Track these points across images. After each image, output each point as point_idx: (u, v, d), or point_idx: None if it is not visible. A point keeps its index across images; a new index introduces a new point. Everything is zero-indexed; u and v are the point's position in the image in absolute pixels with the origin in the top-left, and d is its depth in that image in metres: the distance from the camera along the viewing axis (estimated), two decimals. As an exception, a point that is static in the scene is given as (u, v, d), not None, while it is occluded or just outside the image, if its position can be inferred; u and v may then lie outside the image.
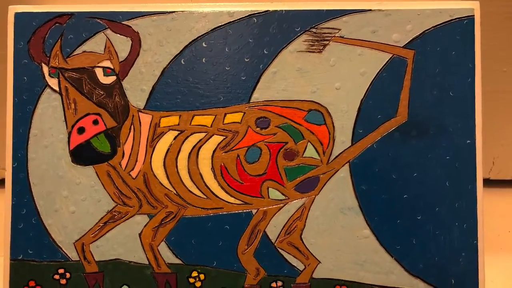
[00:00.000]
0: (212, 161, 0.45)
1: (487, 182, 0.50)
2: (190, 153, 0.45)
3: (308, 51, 0.45)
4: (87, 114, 0.45)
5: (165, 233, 0.46)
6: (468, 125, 0.45)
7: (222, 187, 0.45)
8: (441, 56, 0.45)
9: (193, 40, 0.45)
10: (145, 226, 0.46)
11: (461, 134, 0.45)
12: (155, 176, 0.46)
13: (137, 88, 0.45)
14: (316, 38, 0.45)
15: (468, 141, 0.45)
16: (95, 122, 0.45)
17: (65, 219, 0.46)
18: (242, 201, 0.45)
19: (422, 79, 0.45)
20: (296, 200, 0.45)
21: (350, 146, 0.45)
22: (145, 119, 0.45)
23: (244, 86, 0.45)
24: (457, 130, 0.45)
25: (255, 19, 0.45)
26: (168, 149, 0.45)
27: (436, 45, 0.45)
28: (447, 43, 0.45)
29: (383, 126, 0.45)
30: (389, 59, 0.45)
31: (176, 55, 0.45)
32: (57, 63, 0.45)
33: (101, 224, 0.46)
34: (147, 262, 0.46)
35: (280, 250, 0.46)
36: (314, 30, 0.45)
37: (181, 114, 0.45)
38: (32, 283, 0.46)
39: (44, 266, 0.46)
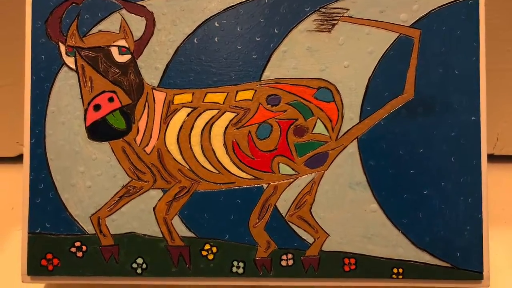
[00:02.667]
0: (224, 137, 0.47)
1: (491, 158, 0.51)
2: (203, 130, 0.47)
3: (318, 31, 0.46)
4: (102, 91, 0.47)
5: (179, 207, 0.47)
6: (472, 102, 0.46)
7: (234, 163, 0.47)
8: (446, 35, 0.46)
9: (205, 20, 0.47)
10: (159, 200, 0.47)
11: (466, 111, 0.46)
12: (169, 151, 0.47)
13: (151, 66, 0.47)
14: (325, 18, 0.46)
15: (473, 118, 0.46)
16: (111, 100, 0.47)
17: (81, 193, 0.47)
18: (253, 176, 0.47)
19: (428, 57, 0.46)
20: (306, 175, 0.47)
21: (358, 123, 0.46)
22: (159, 96, 0.47)
23: (255, 65, 0.47)
24: (462, 107, 0.46)
25: None
26: (182, 126, 0.47)
27: (442, 24, 0.46)
28: (453, 23, 0.46)
29: (390, 104, 0.46)
30: (396, 38, 0.46)
31: (189, 34, 0.47)
32: (73, 42, 0.47)
33: (117, 199, 0.47)
34: (161, 236, 0.47)
35: (290, 224, 0.47)
36: (323, 10, 0.46)
37: (194, 91, 0.47)
38: (49, 256, 0.47)
39: (61, 239, 0.47)
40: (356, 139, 0.46)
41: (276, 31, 0.46)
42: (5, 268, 0.53)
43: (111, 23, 0.47)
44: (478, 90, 0.46)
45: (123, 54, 0.47)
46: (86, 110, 0.47)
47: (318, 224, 0.47)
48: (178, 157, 0.47)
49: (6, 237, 0.56)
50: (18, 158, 0.60)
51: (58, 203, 0.47)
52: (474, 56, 0.46)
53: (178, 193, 0.47)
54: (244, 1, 0.46)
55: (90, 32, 0.47)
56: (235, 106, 0.47)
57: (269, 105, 0.47)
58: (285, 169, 0.47)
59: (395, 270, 0.46)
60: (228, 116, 0.47)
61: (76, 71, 0.47)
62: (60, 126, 0.47)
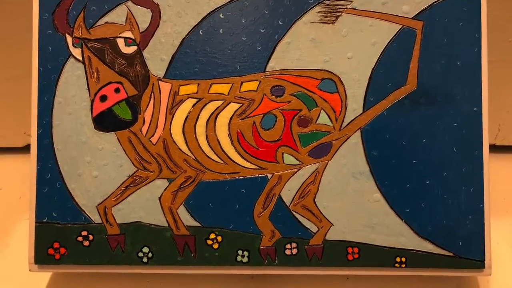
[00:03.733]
0: (229, 128, 0.47)
1: (493, 148, 0.52)
2: (208, 120, 0.47)
3: (321, 22, 0.47)
4: (109, 82, 0.47)
5: (184, 196, 0.48)
6: (474, 93, 0.46)
7: (238, 153, 0.47)
8: (448, 27, 0.46)
9: (211, 12, 0.47)
10: (164, 190, 0.48)
11: (468, 102, 0.46)
12: (174, 142, 0.47)
13: (157, 58, 0.47)
14: (329, 10, 0.47)
15: (475, 109, 0.47)
16: (117, 90, 0.47)
17: (88, 183, 0.48)
18: (257, 166, 0.47)
19: (431, 49, 0.47)
20: (310, 165, 0.47)
21: (361, 114, 0.47)
22: (165, 87, 0.47)
23: (260, 56, 0.47)
24: (464, 98, 0.46)
25: (271, -8, 0.47)
26: (187, 116, 0.47)
27: (444, 16, 0.46)
28: (455, 15, 0.46)
29: (393, 94, 0.47)
30: (399, 30, 0.47)
31: (195, 26, 0.47)
32: (80, 34, 0.47)
33: (123, 188, 0.48)
34: (166, 225, 0.48)
35: (294, 213, 0.47)
36: (327, 2, 0.47)
37: (199, 82, 0.47)
38: (56, 245, 0.48)
39: (68, 229, 0.48)
40: (359, 130, 0.47)
41: (280, 23, 0.47)
42: (13, 257, 0.53)
43: (118, 15, 0.47)
44: (480, 81, 0.46)
45: (129, 46, 0.47)
46: (92, 101, 0.47)
47: (322, 214, 0.47)
48: (184, 147, 0.47)
49: (14, 226, 0.57)
50: (26, 148, 0.61)
51: (65, 193, 0.48)
52: (476, 47, 0.46)
53: (183, 183, 0.48)
54: (249, -7, 0.47)
55: (97, 24, 0.47)
56: (240, 97, 0.47)
57: (273, 96, 0.47)
58: (289, 159, 0.47)
59: (398, 259, 0.47)
60: (233, 106, 0.47)
61: (83, 62, 0.47)
62: (67, 117, 0.48)
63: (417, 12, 0.47)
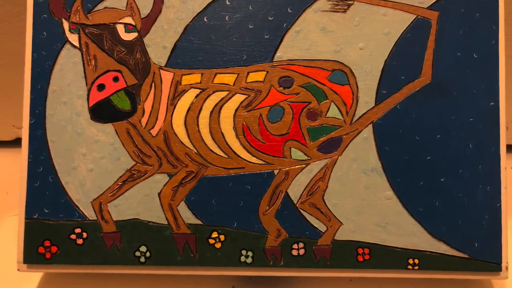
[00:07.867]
0: (234, 120, 0.45)
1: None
2: (211, 112, 0.45)
3: (332, 11, 0.45)
4: (107, 71, 0.45)
5: (185, 192, 0.45)
6: (491, 87, 0.45)
7: (244, 147, 0.45)
8: (465, 17, 0.45)
9: (216, -2, 0.45)
10: (164, 185, 0.45)
11: (485, 96, 0.45)
12: (175, 134, 0.45)
13: (159, 45, 0.45)
14: (340, -2, 0.45)
15: (492, 103, 0.45)
16: (115, 79, 0.45)
17: (82, 177, 0.45)
18: (264, 161, 0.45)
19: (446, 40, 0.45)
20: (319, 161, 0.45)
21: (373, 107, 0.45)
22: (166, 76, 0.45)
23: (268, 45, 0.45)
24: (481, 92, 0.45)
25: (279, -22, 0.45)
26: (189, 108, 0.45)
27: (460, 6, 0.45)
28: (471, 5, 0.45)
29: (406, 87, 0.45)
30: (413, 20, 0.45)
31: (199, 12, 0.45)
32: (78, 19, 0.45)
33: (120, 183, 0.45)
34: (166, 223, 0.45)
35: (302, 211, 0.45)
36: (338, -11, 0.45)
37: (203, 72, 0.45)
38: (47, 243, 0.45)
39: (60, 226, 0.45)
40: (371, 124, 0.45)
41: (289, 11, 0.45)
42: (0, 256, 0.50)
43: (118, 0, 0.45)
44: (497, 74, 0.45)
45: (129, 32, 0.45)
46: (89, 90, 0.45)
47: (331, 212, 0.45)
48: (185, 140, 0.45)
49: (0, 224, 0.54)
50: (15, 142, 0.58)
51: (58, 187, 0.45)
52: (493, 39, 0.45)
53: (184, 178, 0.45)
54: (257, -21, 0.45)
55: (95, 9, 0.45)
56: (246, 88, 0.45)
57: (281, 87, 0.45)
58: (297, 154, 0.45)
59: (410, 261, 0.45)
60: (239, 98, 0.45)
61: (80, 49, 0.45)
62: (62, 106, 0.45)
63: (432, 2, 0.45)
